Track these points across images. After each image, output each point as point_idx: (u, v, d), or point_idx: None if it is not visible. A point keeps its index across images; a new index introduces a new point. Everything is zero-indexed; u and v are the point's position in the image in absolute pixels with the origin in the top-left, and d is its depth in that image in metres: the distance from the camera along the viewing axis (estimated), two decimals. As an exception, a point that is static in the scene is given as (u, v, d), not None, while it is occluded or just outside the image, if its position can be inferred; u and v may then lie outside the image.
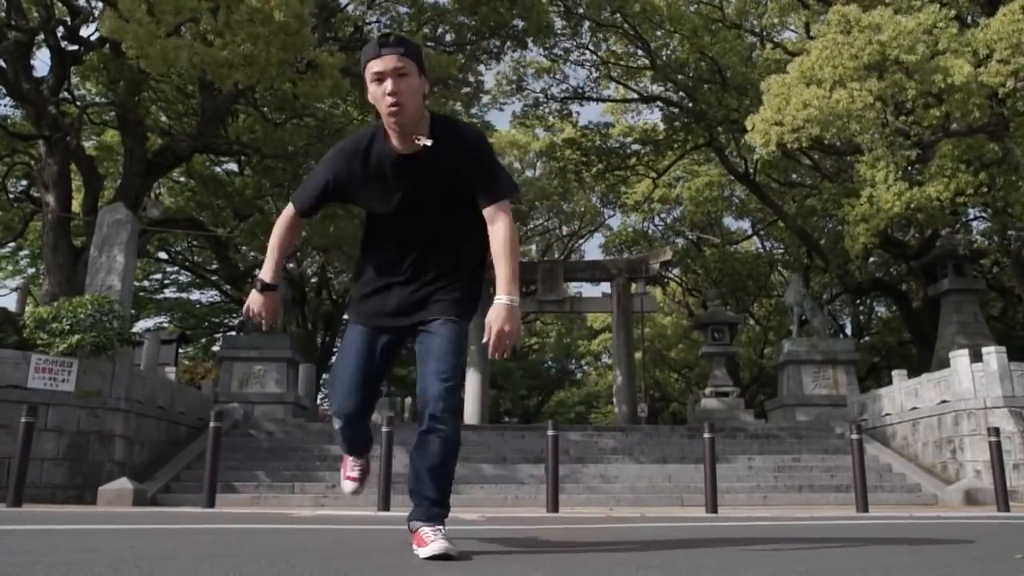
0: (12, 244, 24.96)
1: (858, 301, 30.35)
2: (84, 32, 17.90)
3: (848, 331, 31.26)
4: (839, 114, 13.04)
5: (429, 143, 2.60)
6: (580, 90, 25.74)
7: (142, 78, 17.25)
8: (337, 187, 2.76)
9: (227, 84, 13.98)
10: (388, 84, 2.56)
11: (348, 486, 3.28)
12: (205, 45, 12.80)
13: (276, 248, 2.93)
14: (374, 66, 2.59)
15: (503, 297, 2.60)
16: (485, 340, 2.57)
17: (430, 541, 2.51)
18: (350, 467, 3.27)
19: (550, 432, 9.33)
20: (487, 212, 2.69)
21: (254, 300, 2.93)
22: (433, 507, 2.64)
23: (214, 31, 12.75)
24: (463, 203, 2.71)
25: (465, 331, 2.80)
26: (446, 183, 2.68)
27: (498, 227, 2.67)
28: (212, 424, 9.88)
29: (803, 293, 21.26)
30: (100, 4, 16.97)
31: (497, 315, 2.57)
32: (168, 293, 31.38)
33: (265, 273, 2.93)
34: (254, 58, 12.84)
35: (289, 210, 2.92)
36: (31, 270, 26.88)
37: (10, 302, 30.87)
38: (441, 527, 2.60)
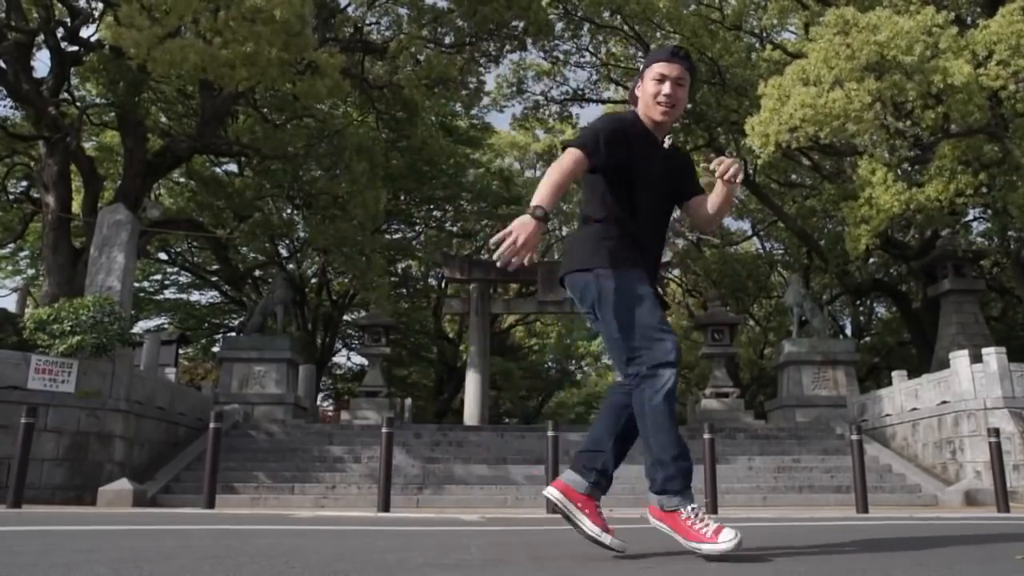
0: (12, 245, 24.95)
1: (858, 302, 30.34)
2: (84, 33, 17.92)
3: (848, 332, 31.27)
4: (836, 114, 13.04)
5: (668, 145, 3.02)
6: (580, 92, 25.74)
7: (142, 79, 17.26)
8: (620, 142, 2.85)
9: (229, 84, 13.99)
10: (668, 87, 2.92)
11: (724, 547, 2.46)
12: (205, 45, 12.80)
13: (557, 186, 2.73)
14: (660, 68, 2.95)
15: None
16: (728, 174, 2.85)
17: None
18: (697, 521, 2.57)
19: (550, 433, 9.34)
20: (698, 198, 3.09)
21: (524, 225, 2.58)
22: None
23: (215, 31, 12.75)
24: (673, 201, 3.12)
25: None
26: (675, 181, 3.05)
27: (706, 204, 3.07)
28: (212, 425, 9.88)
29: (803, 294, 21.26)
30: (100, 5, 17.00)
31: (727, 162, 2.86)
32: (168, 294, 31.38)
33: (545, 200, 2.67)
34: (255, 57, 12.84)
35: (576, 156, 2.77)
36: (31, 271, 26.89)
37: (10, 303, 30.88)
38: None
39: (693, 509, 2.59)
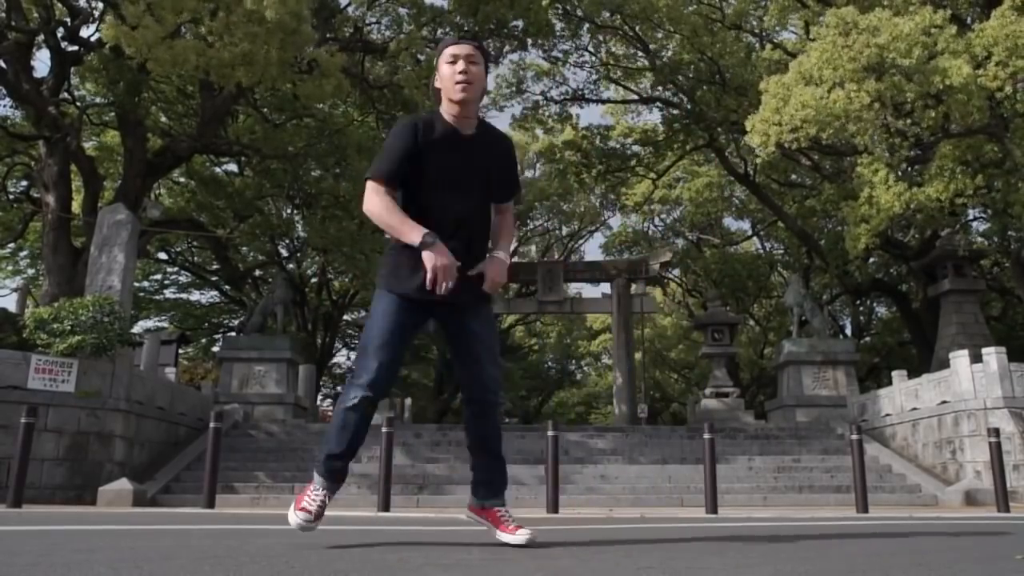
0: (12, 244, 24.96)
1: (858, 301, 30.35)
2: (84, 33, 17.92)
3: (848, 331, 31.28)
4: (836, 114, 13.05)
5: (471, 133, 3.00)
6: (580, 92, 25.72)
7: (142, 79, 17.26)
8: (408, 148, 2.94)
9: (230, 84, 13.99)
10: (461, 65, 2.94)
11: (299, 518, 2.96)
12: (205, 45, 12.81)
13: (397, 221, 2.88)
14: (451, 50, 2.98)
15: (500, 253, 3.05)
16: (485, 285, 2.93)
17: (513, 527, 2.99)
18: (311, 494, 3.02)
19: (550, 433, 9.33)
20: (503, 205, 3.14)
21: (430, 257, 2.76)
22: (503, 485, 3.13)
23: (214, 32, 12.75)
24: (488, 192, 3.07)
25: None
26: (485, 170, 3.02)
27: (508, 216, 3.17)
28: (212, 425, 9.88)
29: (803, 294, 21.26)
30: (100, 4, 17.00)
31: (494, 265, 2.97)
32: (168, 294, 31.40)
33: (416, 232, 2.82)
34: (253, 57, 12.85)
35: (378, 186, 2.93)
36: (31, 270, 26.89)
37: (10, 303, 30.89)
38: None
39: (322, 488, 3.04)
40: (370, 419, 3.02)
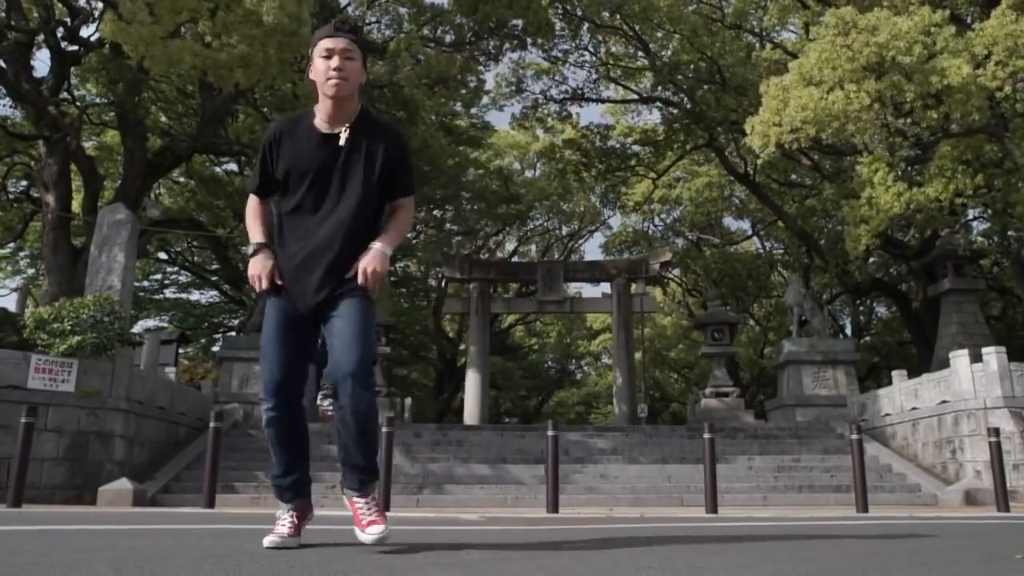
0: (12, 244, 24.96)
1: (858, 301, 30.36)
2: (84, 33, 17.92)
3: (848, 331, 31.28)
4: (835, 115, 13.05)
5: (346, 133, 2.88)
6: (579, 91, 25.73)
7: (142, 79, 17.25)
8: (273, 159, 2.94)
9: (228, 85, 14.00)
10: (336, 61, 2.82)
11: (267, 541, 2.81)
12: (202, 47, 12.81)
13: (254, 220, 3.04)
14: (325, 44, 2.85)
15: (378, 244, 2.87)
16: (358, 277, 2.80)
17: (367, 522, 2.79)
18: (279, 520, 2.94)
19: (550, 432, 9.33)
20: (396, 202, 3.02)
21: (253, 264, 2.90)
22: (362, 474, 2.87)
23: (212, 33, 12.75)
24: (373, 191, 2.90)
25: (373, 310, 2.93)
26: (362, 167, 2.87)
27: (402, 212, 3.03)
28: (212, 424, 9.88)
29: (803, 293, 21.26)
30: (100, 5, 16.99)
31: (371, 257, 2.83)
32: (168, 293, 31.39)
33: (253, 242, 2.97)
34: (251, 59, 12.85)
35: (252, 202, 3.08)
36: (31, 270, 26.89)
37: (10, 302, 30.87)
38: (374, 496, 2.89)
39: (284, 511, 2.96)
40: (295, 427, 2.95)
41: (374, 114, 3.04)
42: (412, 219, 3.09)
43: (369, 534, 2.74)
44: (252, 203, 3.06)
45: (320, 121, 2.90)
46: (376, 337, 20.16)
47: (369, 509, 2.82)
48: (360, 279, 2.80)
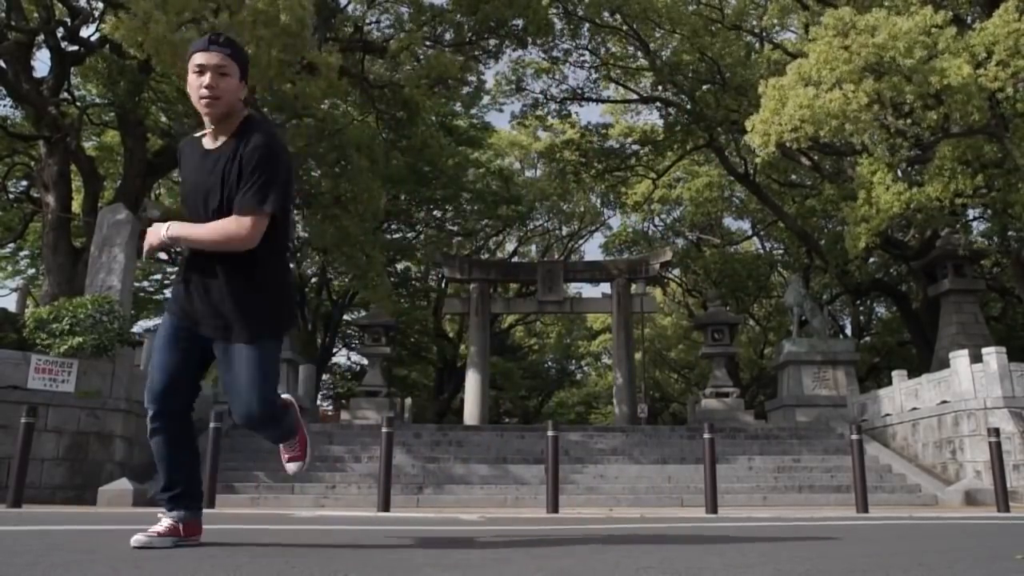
0: (12, 244, 24.96)
1: (858, 301, 30.36)
2: (84, 33, 17.92)
3: (848, 331, 31.28)
4: (834, 114, 13.05)
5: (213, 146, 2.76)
6: (579, 91, 25.74)
7: (142, 79, 17.25)
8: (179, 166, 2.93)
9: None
10: (208, 79, 2.68)
11: (143, 538, 2.70)
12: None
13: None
14: (198, 59, 2.70)
15: (164, 226, 2.76)
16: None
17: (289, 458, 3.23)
18: (162, 522, 2.80)
19: (550, 433, 9.33)
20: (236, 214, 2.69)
21: (153, 233, 2.81)
22: (276, 442, 3.19)
23: (217, 29, 12.75)
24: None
25: (269, 348, 2.78)
26: (221, 183, 2.69)
27: (232, 220, 2.67)
28: (212, 424, 9.88)
29: (803, 294, 21.27)
30: (100, 4, 16.99)
31: (151, 230, 2.78)
32: (168, 293, 31.37)
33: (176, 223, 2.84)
34: (257, 60, 12.85)
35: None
36: (31, 270, 26.88)
37: (10, 302, 30.88)
38: (291, 445, 3.23)
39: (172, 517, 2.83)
40: (180, 436, 2.82)
41: (257, 120, 2.82)
42: (245, 233, 2.64)
43: (288, 466, 3.22)
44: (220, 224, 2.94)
45: (208, 137, 2.80)
46: (376, 338, 19.96)
47: (291, 448, 3.19)
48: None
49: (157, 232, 2.75)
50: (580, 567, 2.36)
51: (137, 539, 2.69)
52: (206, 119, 2.74)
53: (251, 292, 2.74)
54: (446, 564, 2.38)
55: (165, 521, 2.79)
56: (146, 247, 2.82)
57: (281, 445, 3.19)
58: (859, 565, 2.47)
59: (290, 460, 3.22)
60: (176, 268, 3.02)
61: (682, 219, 32.57)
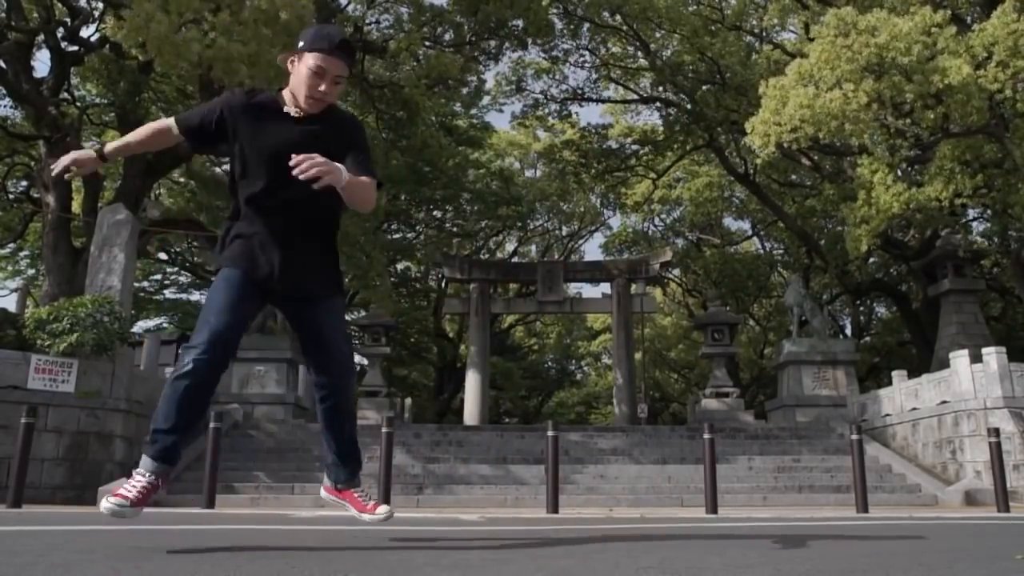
0: (12, 244, 24.96)
1: (858, 301, 30.37)
2: (84, 33, 17.92)
3: (848, 331, 31.28)
4: (834, 114, 13.05)
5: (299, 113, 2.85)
6: (580, 91, 25.76)
7: (142, 79, 17.26)
8: (221, 120, 2.84)
9: (234, 80, 13.97)
10: (324, 86, 2.80)
11: (111, 503, 2.61)
12: (209, 41, 12.82)
13: (133, 138, 2.97)
14: (320, 61, 2.77)
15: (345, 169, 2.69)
16: (307, 166, 2.57)
17: (372, 505, 3.04)
18: (133, 479, 2.68)
19: (550, 433, 9.33)
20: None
21: (81, 154, 2.85)
22: (358, 465, 3.15)
23: (220, 30, 12.75)
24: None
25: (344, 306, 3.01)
26: (326, 152, 2.70)
27: (366, 180, 2.80)
28: (212, 425, 9.88)
29: (803, 294, 21.26)
30: (100, 5, 16.98)
31: (332, 165, 2.63)
32: (168, 294, 31.41)
33: (110, 145, 2.92)
34: (258, 58, 12.86)
35: (166, 122, 2.96)
36: (31, 271, 26.89)
37: (10, 303, 30.88)
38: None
39: (148, 471, 2.68)
40: (209, 388, 2.73)
41: (339, 106, 3.01)
42: (373, 199, 2.86)
43: (380, 514, 3.00)
44: (154, 124, 2.99)
45: (288, 106, 2.86)
46: (376, 338, 20.01)
47: (366, 495, 3.08)
48: (307, 165, 2.56)
49: (336, 172, 2.61)
50: (580, 567, 2.36)
51: (112, 505, 2.58)
52: (303, 105, 2.83)
53: (329, 254, 2.97)
54: (446, 564, 2.38)
55: (143, 482, 2.64)
56: (323, 173, 2.58)
57: (354, 488, 3.07)
58: (859, 565, 2.47)
59: (376, 507, 3.07)
60: (226, 232, 2.94)
61: (682, 219, 32.57)
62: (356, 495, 3.07)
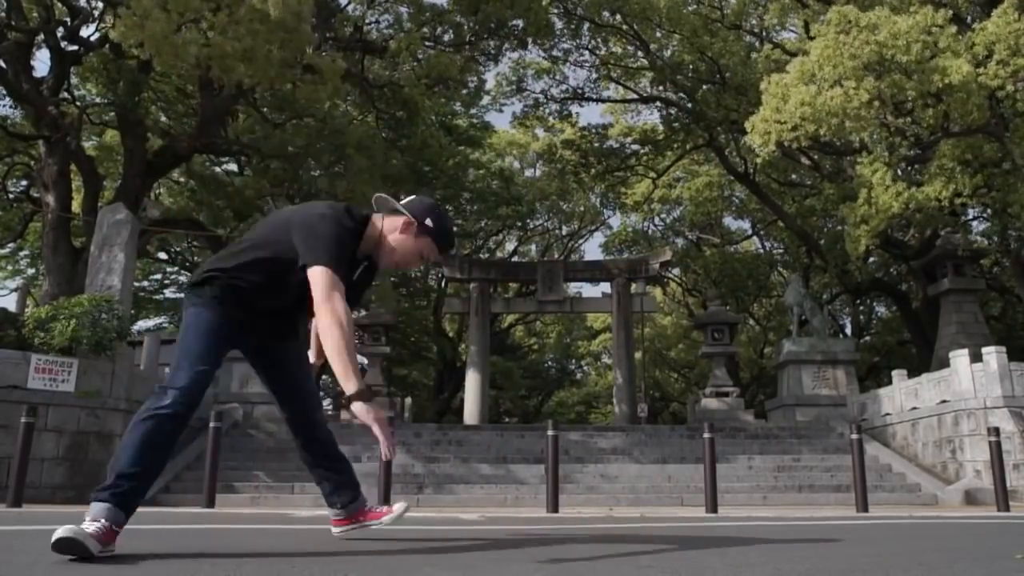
0: (12, 244, 24.96)
1: (858, 301, 30.37)
2: (84, 33, 17.92)
3: (848, 331, 31.28)
4: (834, 112, 13.05)
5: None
6: (580, 91, 25.75)
7: (142, 79, 17.24)
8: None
9: (232, 80, 13.98)
10: (420, 264, 3.13)
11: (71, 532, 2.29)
12: (207, 40, 12.83)
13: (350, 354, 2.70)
14: (430, 252, 2.94)
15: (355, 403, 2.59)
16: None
17: (386, 509, 3.15)
18: (87, 524, 2.36)
19: (550, 432, 9.33)
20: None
21: (378, 411, 2.56)
22: (359, 487, 3.18)
23: (217, 29, 12.76)
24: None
25: None
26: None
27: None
28: (212, 424, 9.88)
29: (803, 293, 21.27)
30: (100, 4, 16.98)
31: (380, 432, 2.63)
32: (168, 293, 31.40)
33: (362, 381, 2.64)
34: (254, 54, 12.86)
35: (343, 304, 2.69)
36: (31, 270, 26.88)
37: (10, 302, 30.87)
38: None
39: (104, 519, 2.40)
40: (181, 433, 2.66)
41: None
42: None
43: (397, 511, 3.10)
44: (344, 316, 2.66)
45: (362, 249, 2.92)
46: (376, 337, 20.04)
47: (376, 504, 3.23)
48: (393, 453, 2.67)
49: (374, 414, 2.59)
50: (580, 567, 2.36)
51: (61, 538, 2.26)
52: (382, 263, 3.01)
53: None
54: (446, 564, 2.38)
55: (95, 524, 2.36)
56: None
57: (364, 505, 3.14)
58: (859, 565, 2.47)
59: (390, 508, 3.17)
60: (178, 269, 2.92)
61: (682, 219, 32.56)
62: (366, 510, 3.15)
